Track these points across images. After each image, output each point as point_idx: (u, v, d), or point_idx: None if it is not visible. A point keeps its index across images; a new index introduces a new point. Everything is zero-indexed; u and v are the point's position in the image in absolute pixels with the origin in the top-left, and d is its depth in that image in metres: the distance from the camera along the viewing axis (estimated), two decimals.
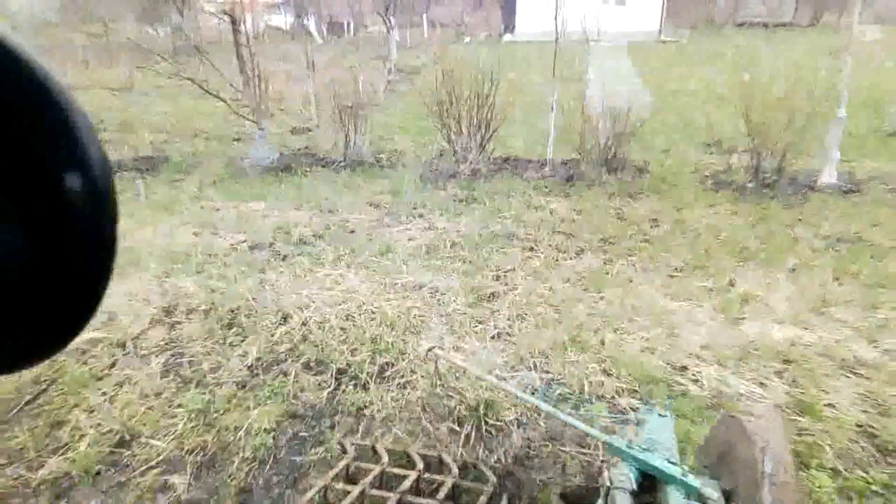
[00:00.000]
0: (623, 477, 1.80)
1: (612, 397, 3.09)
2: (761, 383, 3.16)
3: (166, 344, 3.54)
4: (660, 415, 2.15)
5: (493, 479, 2.48)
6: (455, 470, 2.55)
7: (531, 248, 4.83)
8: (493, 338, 3.59)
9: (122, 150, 7.86)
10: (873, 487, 2.53)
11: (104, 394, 3.13)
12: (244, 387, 3.20)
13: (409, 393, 3.14)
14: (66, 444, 2.84)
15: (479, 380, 2.74)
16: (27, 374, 3.26)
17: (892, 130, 8.30)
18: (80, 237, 0.36)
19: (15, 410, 3.05)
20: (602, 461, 2.40)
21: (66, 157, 0.34)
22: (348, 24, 28.05)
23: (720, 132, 7.76)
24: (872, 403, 3.01)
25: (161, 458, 2.75)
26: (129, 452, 2.78)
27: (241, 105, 7.43)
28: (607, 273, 4.37)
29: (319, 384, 3.21)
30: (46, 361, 3.15)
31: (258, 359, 3.40)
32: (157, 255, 4.58)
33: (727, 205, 5.77)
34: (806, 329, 3.56)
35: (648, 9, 26.58)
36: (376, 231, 5.21)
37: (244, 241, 4.90)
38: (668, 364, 3.30)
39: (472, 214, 5.60)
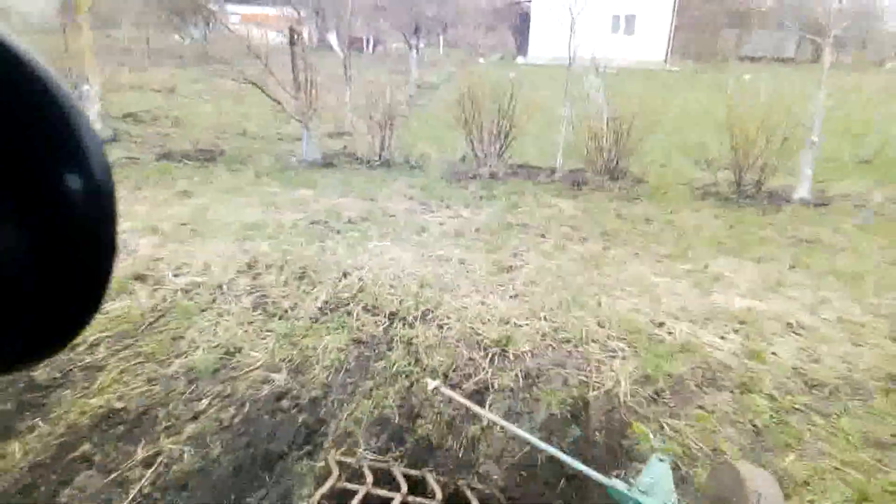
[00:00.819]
0: None
1: (604, 341, 3.93)
2: (721, 337, 3.99)
3: (252, 288, 4.40)
4: (659, 459, 2.18)
5: None
6: (439, 494, 2.57)
7: (542, 236, 5.69)
8: (511, 297, 4.44)
9: (181, 143, 8.82)
10: (797, 406, 3.35)
11: (209, 320, 4.00)
12: (317, 321, 4.05)
13: (445, 331, 4.00)
14: (185, 352, 3.68)
15: (483, 419, 2.64)
16: (146, 303, 4.12)
17: (866, 158, 9.20)
18: (81, 238, 0.37)
19: (142, 328, 3.90)
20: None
21: (67, 157, 0.34)
22: (367, 41, 29.22)
23: (712, 151, 8.65)
24: (806, 354, 3.84)
25: (260, 363, 3.59)
26: (235, 359, 3.63)
27: (279, 109, 8.37)
28: (605, 256, 5.23)
29: (376, 322, 4.06)
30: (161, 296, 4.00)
31: (326, 302, 4.25)
32: (234, 225, 5.46)
33: (711, 210, 6.64)
34: (761, 301, 4.41)
35: (656, 39, 27.76)
36: (411, 216, 6.09)
37: (302, 219, 5.79)
38: (650, 321, 4.14)
39: (492, 208, 6.49)
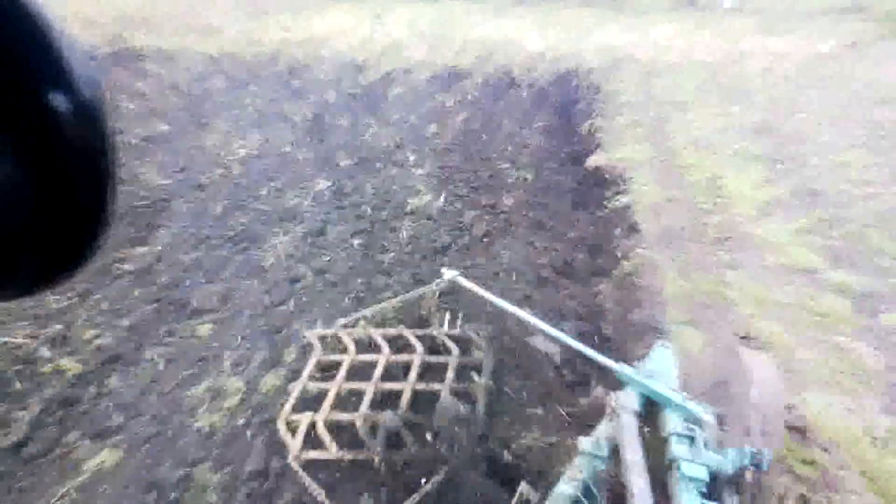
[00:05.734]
0: (628, 400, 1.88)
1: (586, 52, 8.52)
2: (642, 49, 8.55)
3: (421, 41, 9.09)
4: (663, 346, 2.24)
5: (456, 350, 2.65)
6: (420, 348, 2.64)
7: (558, 22, 10.17)
8: (543, 40, 9.03)
9: None
10: (667, 71, 7.99)
11: (397, 48, 8.71)
12: (458, 55, 8.73)
13: (518, 50, 8.64)
14: (405, 56, 8.43)
15: (499, 307, 2.58)
16: (353, 47, 8.83)
17: None
18: (74, 158, 0.35)
19: (368, 57, 8.63)
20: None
21: (50, 77, 0.33)
22: None
23: None
24: (681, 54, 8.40)
25: (427, 57, 8.31)
26: (401, 53, 8.35)
27: None
28: (593, 26, 9.70)
29: (484, 49, 8.72)
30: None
31: (461, 47, 8.92)
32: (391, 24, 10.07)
33: (665, 13, 10.92)
34: (668, 39, 8.91)
35: None
36: (489, 20, 10.58)
37: (426, 19, 10.36)
38: (608, 44, 8.70)
39: (534, 15, 10.91)
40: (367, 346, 2.75)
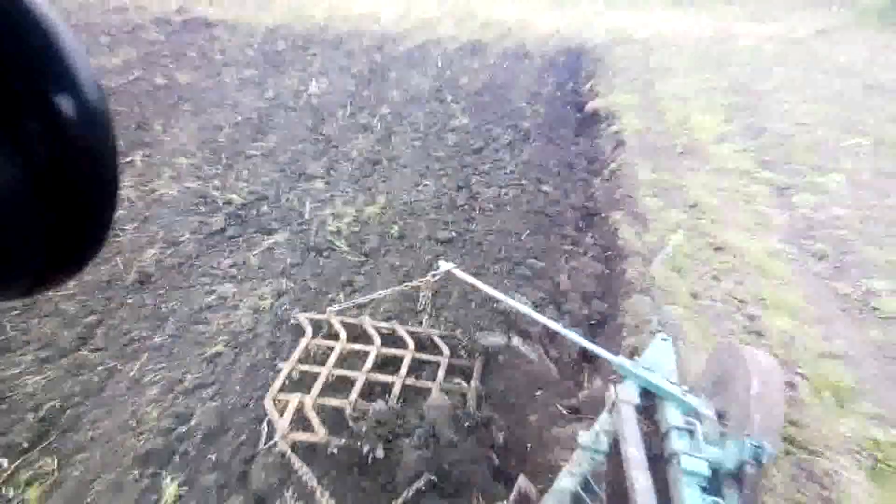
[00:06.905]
0: (628, 393, 1.86)
1: (595, 30, 9.83)
2: (638, 29, 9.87)
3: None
4: (662, 339, 2.21)
5: (447, 350, 2.67)
6: (412, 344, 2.65)
7: (567, 8, 11.47)
8: (556, 19, 10.34)
9: None
10: (655, 54, 9.29)
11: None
12: (483, 27, 10.07)
13: (533, 29, 9.96)
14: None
15: (495, 298, 2.59)
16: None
17: None
18: (77, 160, 0.35)
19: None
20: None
21: (52, 78, 0.33)
22: None
23: None
24: (673, 30, 9.70)
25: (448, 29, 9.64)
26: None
27: None
28: (601, 12, 11.01)
29: (502, 25, 10.05)
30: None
31: (484, 23, 10.25)
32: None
33: (664, 3, 12.20)
34: (659, 20, 10.22)
35: None
36: (509, 4, 11.89)
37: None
38: (611, 27, 10.01)
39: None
40: (359, 336, 2.75)
